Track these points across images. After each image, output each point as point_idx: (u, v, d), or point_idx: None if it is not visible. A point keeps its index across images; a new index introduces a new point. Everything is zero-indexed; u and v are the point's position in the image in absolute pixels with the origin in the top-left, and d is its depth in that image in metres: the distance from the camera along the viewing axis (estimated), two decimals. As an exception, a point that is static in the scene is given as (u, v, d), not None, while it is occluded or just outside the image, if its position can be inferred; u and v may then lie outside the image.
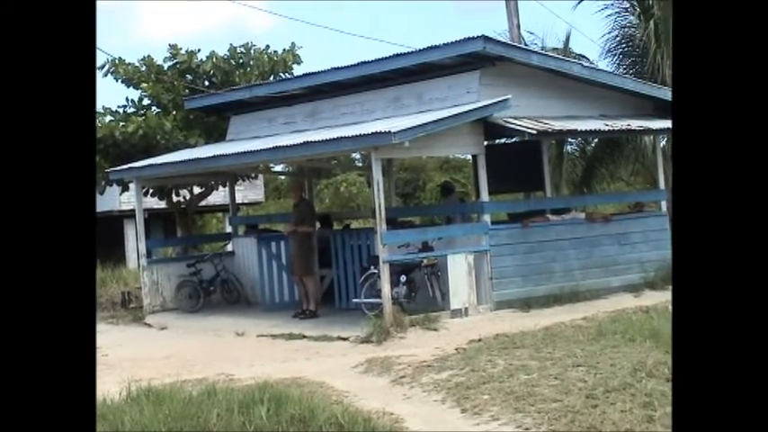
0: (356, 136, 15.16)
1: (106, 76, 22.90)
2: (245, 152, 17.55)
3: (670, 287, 17.47)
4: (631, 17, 25.74)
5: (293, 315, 17.43)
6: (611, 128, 17.79)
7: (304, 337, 15.16)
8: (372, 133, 14.81)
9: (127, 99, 23.07)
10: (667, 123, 18.84)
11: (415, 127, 14.86)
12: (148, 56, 23.22)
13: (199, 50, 23.34)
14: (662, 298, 16.41)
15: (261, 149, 17.38)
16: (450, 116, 15.61)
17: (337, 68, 18.57)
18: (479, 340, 13.11)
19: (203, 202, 25.92)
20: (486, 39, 16.31)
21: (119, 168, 20.51)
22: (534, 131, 16.15)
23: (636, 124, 18.18)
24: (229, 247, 22.39)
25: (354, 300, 16.74)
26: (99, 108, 22.06)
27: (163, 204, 24.76)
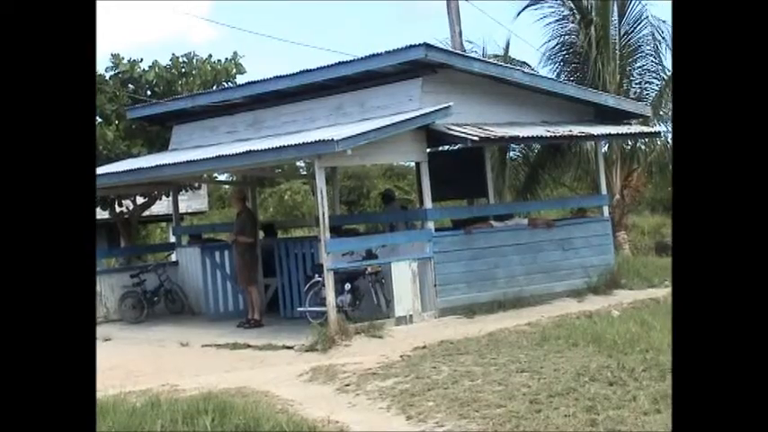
0: (299, 144, 15.14)
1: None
2: (187, 162, 17.47)
3: (613, 291, 17.76)
4: (571, 24, 25.99)
5: (238, 324, 17.36)
6: (552, 134, 17.92)
7: (249, 346, 15.09)
8: (315, 141, 14.79)
9: (69, 109, 22.83)
10: (608, 129, 19.02)
11: (357, 135, 14.87)
12: (90, 65, 23.01)
13: (141, 60, 23.25)
14: (605, 303, 16.60)
15: (204, 159, 17.30)
16: (392, 124, 15.65)
17: (280, 77, 18.54)
18: (424, 347, 13.15)
19: (147, 212, 25.76)
20: (427, 46, 16.37)
21: (60, 179, 20.26)
22: (476, 138, 16.22)
23: (577, 130, 18.32)
24: (173, 257, 22.25)
25: (299, 308, 16.70)
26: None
27: (106, 214, 24.55)
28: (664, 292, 17.44)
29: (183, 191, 24.45)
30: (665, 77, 25.85)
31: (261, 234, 19.66)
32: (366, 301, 16.09)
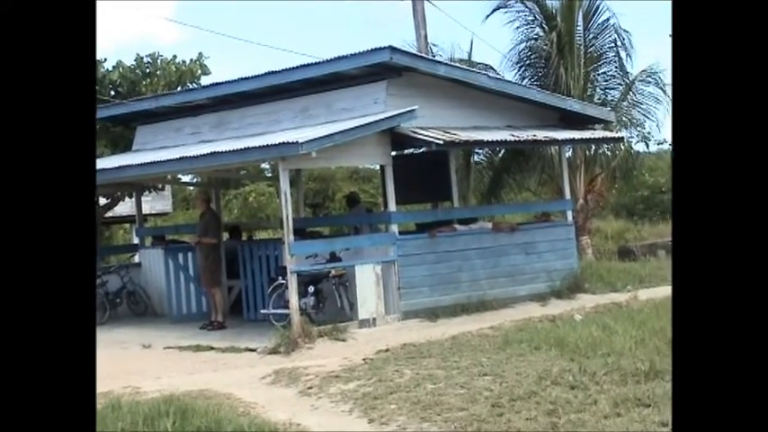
0: (263, 146, 15.11)
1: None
2: (151, 163, 17.39)
3: (576, 296, 17.85)
4: (536, 29, 26.12)
5: (201, 327, 17.32)
6: (517, 138, 17.96)
7: (211, 348, 15.05)
8: (280, 143, 14.76)
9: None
10: (572, 134, 19.12)
11: (322, 137, 14.86)
12: (53, 65, 22.88)
13: (105, 60, 23.11)
14: (567, 307, 16.66)
15: (167, 160, 17.23)
16: (357, 126, 15.64)
17: (245, 78, 18.50)
18: (387, 350, 13.16)
19: (110, 213, 25.60)
20: (392, 49, 16.39)
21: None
22: (441, 142, 16.25)
23: (542, 135, 18.39)
24: (136, 259, 22.15)
25: (262, 311, 16.67)
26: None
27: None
28: (626, 296, 17.54)
29: (147, 192, 24.35)
30: (628, 83, 26.08)
31: (225, 236, 19.60)
32: (329, 303, 16.09)
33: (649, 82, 26.16)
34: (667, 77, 25.50)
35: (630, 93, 26.11)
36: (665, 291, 17.61)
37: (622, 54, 26.08)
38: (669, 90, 26.05)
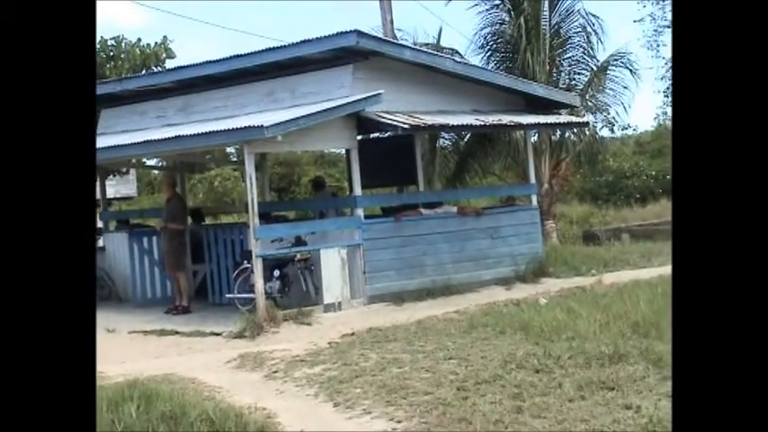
0: (228, 130, 15.05)
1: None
2: (115, 146, 17.27)
3: (540, 280, 17.91)
4: (502, 14, 26.13)
5: (165, 311, 17.25)
6: (482, 123, 17.99)
7: (176, 332, 14.99)
8: (245, 127, 14.70)
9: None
10: (538, 119, 19.15)
11: (287, 121, 14.80)
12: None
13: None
14: (532, 291, 16.72)
15: (131, 143, 17.11)
16: (322, 110, 15.60)
17: (210, 62, 18.40)
18: (352, 334, 13.16)
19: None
20: (359, 33, 16.34)
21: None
22: (407, 126, 16.25)
23: (507, 119, 18.41)
24: (100, 243, 22.00)
25: (228, 295, 16.63)
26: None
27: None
28: (591, 280, 17.61)
29: (111, 176, 24.22)
30: (594, 68, 26.16)
31: (189, 220, 19.51)
32: (295, 288, 16.08)
33: (617, 66, 26.26)
34: (637, 61, 25.59)
35: (597, 78, 26.18)
36: (629, 275, 17.75)
37: (593, 39, 26.16)
38: (638, 74, 26.23)
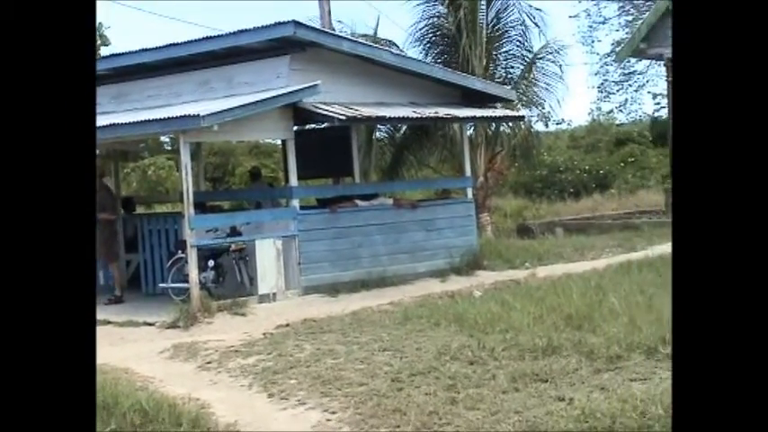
0: (164, 119, 14.94)
1: None
2: (48, 133, 17.02)
3: (475, 272, 18.00)
4: (440, 7, 26.17)
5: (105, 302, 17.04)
6: (419, 115, 18.03)
7: (108, 322, 14.82)
8: (181, 116, 14.59)
9: None
10: (474, 112, 19.25)
11: (223, 111, 14.73)
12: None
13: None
14: (466, 283, 16.82)
15: (65, 131, 16.87)
16: (259, 101, 15.54)
17: (145, 50, 18.22)
18: (287, 325, 13.14)
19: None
20: (296, 24, 16.30)
21: None
22: (343, 117, 16.25)
23: (444, 112, 18.46)
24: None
25: (161, 285, 16.49)
26: None
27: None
28: (524, 273, 17.75)
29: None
30: (529, 61, 26.32)
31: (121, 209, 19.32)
32: (229, 278, 16.00)
33: (548, 59, 26.43)
34: (568, 55, 25.73)
35: (530, 69, 26.32)
36: (563, 268, 17.91)
37: (534, 32, 26.29)
38: (566, 68, 26.41)
